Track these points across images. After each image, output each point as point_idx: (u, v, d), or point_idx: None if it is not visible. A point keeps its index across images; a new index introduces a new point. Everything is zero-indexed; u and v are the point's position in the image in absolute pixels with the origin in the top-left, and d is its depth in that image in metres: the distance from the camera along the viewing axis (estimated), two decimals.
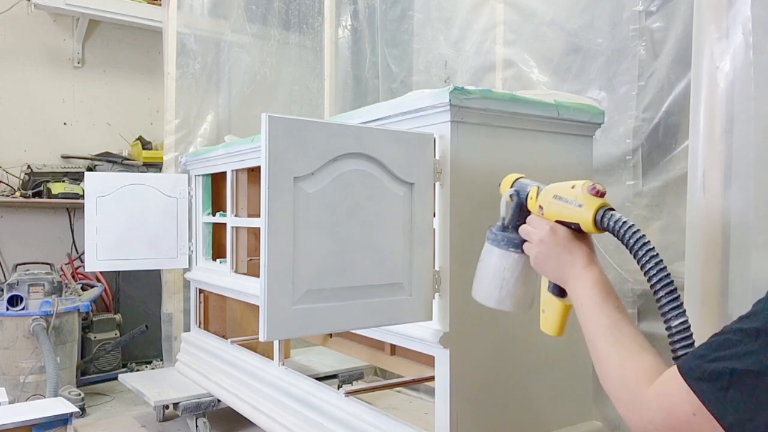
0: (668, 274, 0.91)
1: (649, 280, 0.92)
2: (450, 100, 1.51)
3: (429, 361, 1.75)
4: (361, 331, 1.91)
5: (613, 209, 1.01)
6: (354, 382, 2.85)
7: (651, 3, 2.23)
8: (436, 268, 1.58)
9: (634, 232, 0.95)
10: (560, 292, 1.10)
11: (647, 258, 0.93)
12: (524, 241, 1.15)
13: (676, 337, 0.88)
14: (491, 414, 1.62)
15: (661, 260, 0.92)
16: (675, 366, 0.81)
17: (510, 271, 1.19)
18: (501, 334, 1.64)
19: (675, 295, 0.90)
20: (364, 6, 3.65)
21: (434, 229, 1.59)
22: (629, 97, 2.27)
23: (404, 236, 1.53)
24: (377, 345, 2.49)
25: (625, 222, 0.97)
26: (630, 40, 2.27)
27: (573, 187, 1.05)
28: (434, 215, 1.59)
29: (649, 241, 0.94)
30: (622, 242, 0.97)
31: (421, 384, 2.64)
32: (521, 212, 1.17)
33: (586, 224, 1.02)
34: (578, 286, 1.02)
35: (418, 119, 1.62)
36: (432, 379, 1.68)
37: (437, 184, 1.58)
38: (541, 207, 1.11)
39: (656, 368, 0.86)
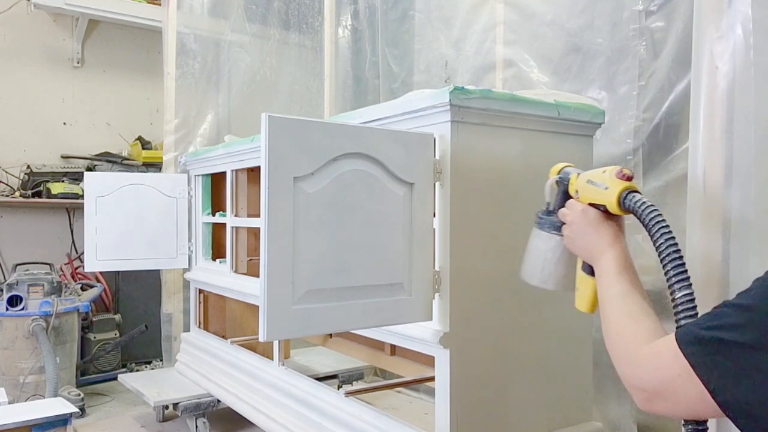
0: (678, 250, 0.97)
1: (659, 254, 0.98)
2: (450, 100, 1.51)
3: (429, 361, 1.75)
4: (361, 331, 1.91)
5: (637, 191, 1.08)
6: (354, 383, 2.85)
7: (651, 3, 2.22)
8: (436, 268, 1.58)
9: (652, 211, 1.02)
10: (592, 270, 1.17)
11: (660, 234, 0.99)
12: (564, 223, 1.23)
13: (680, 308, 0.94)
14: (491, 414, 1.62)
15: (674, 237, 0.98)
16: (674, 332, 0.86)
17: (551, 252, 1.27)
18: (501, 334, 1.64)
19: (682, 269, 0.96)
20: (365, 6, 3.65)
21: (434, 229, 1.58)
22: (630, 97, 2.27)
23: (404, 236, 1.52)
24: (377, 345, 2.49)
25: (644, 202, 1.04)
26: (630, 39, 2.27)
27: (604, 171, 1.14)
28: (434, 215, 1.59)
29: (664, 220, 1.00)
30: (641, 221, 1.04)
31: (421, 384, 2.64)
32: (564, 198, 1.25)
33: (612, 205, 1.10)
34: (601, 261, 1.10)
35: (419, 119, 1.62)
36: (432, 379, 1.68)
37: (437, 184, 1.58)
38: (577, 191, 1.20)
39: (655, 331, 0.92)
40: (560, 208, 1.25)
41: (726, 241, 1.27)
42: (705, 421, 0.94)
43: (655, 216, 1.01)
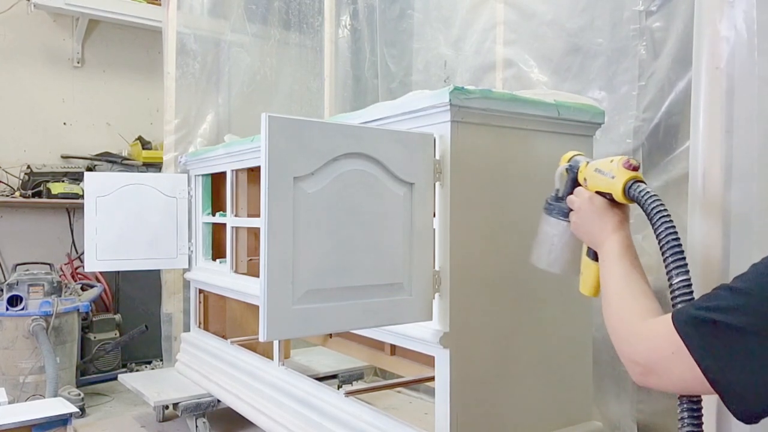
0: (677, 239, 1.00)
1: (659, 242, 1.02)
2: (450, 100, 1.51)
3: (429, 361, 1.75)
4: (361, 331, 1.91)
5: (642, 182, 1.11)
6: (354, 382, 2.85)
7: (651, 3, 2.22)
8: (436, 268, 1.58)
9: (655, 201, 1.05)
10: (596, 256, 1.20)
11: (661, 222, 1.02)
12: (572, 210, 1.27)
13: (677, 293, 0.97)
14: (491, 414, 1.62)
15: (674, 226, 1.01)
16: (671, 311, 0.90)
17: (559, 237, 1.33)
18: (501, 334, 1.64)
19: (680, 256, 0.99)
20: (364, 5, 3.65)
21: (434, 229, 1.58)
22: (629, 97, 2.27)
23: (404, 236, 1.52)
24: (377, 345, 2.49)
25: (648, 192, 1.07)
26: (630, 39, 2.27)
27: (611, 161, 1.17)
28: (434, 215, 1.59)
29: (666, 210, 1.03)
30: (643, 210, 1.07)
31: (421, 384, 2.64)
32: (573, 185, 1.29)
33: (617, 194, 1.13)
34: (605, 246, 1.14)
35: (419, 119, 1.62)
36: (432, 379, 1.68)
37: (437, 184, 1.58)
38: (585, 179, 1.24)
39: (652, 310, 0.97)
40: (569, 194, 1.28)
41: (726, 241, 1.26)
42: (699, 398, 0.96)
43: (657, 206, 1.04)
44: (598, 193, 1.19)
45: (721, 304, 0.82)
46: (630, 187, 1.11)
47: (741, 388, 0.79)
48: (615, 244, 1.12)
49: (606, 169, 1.17)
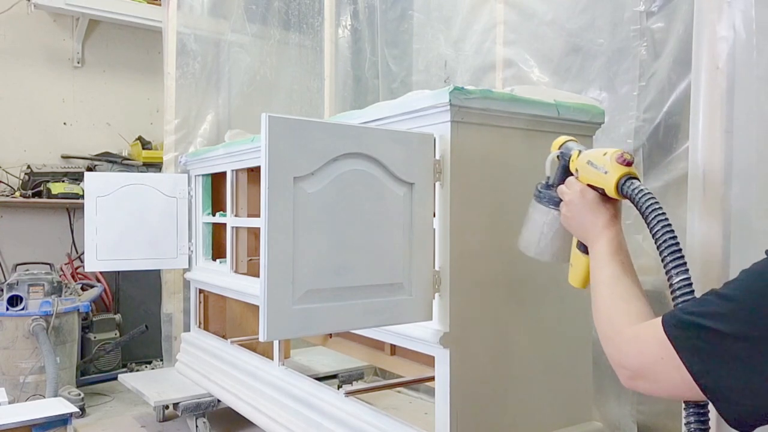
0: (675, 237, 0.97)
1: (656, 242, 0.98)
2: (450, 100, 1.51)
3: (429, 361, 1.75)
4: (361, 331, 1.91)
5: (636, 178, 1.07)
6: (354, 382, 2.85)
7: (652, 3, 2.22)
8: (436, 268, 1.58)
9: (649, 199, 1.01)
10: (586, 249, 1.17)
11: (656, 221, 0.98)
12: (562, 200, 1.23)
13: (678, 293, 0.94)
14: (491, 414, 1.62)
15: (670, 225, 0.98)
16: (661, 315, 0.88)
17: (549, 226, 1.29)
18: (501, 334, 1.64)
19: (678, 255, 0.95)
20: (364, 6, 3.65)
21: (434, 229, 1.58)
22: (630, 98, 2.27)
23: (404, 236, 1.52)
24: (377, 345, 2.49)
25: (642, 190, 1.03)
26: (631, 40, 2.27)
27: (604, 154, 1.12)
28: (434, 215, 1.59)
29: (661, 208, 1.00)
30: (637, 208, 1.03)
31: (421, 384, 2.64)
32: (565, 173, 1.24)
33: (609, 189, 1.09)
34: (596, 244, 1.11)
35: (419, 119, 1.62)
36: (432, 379, 1.68)
37: (437, 184, 1.58)
38: (577, 170, 1.18)
39: (642, 314, 0.95)
40: (560, 183, 1.24)
41: (726, 240, 1.27)
42: (706, 404, 0.93)
43: (651, 204, 1.00)
44: (590, 186, 1.15)
45: (710, 309, 0.82)
46: (623, 184, 1.07)
47: (731, 393, 0.79)
48: (606, 243, 1.09)
49: (599, 163, 1.12)
